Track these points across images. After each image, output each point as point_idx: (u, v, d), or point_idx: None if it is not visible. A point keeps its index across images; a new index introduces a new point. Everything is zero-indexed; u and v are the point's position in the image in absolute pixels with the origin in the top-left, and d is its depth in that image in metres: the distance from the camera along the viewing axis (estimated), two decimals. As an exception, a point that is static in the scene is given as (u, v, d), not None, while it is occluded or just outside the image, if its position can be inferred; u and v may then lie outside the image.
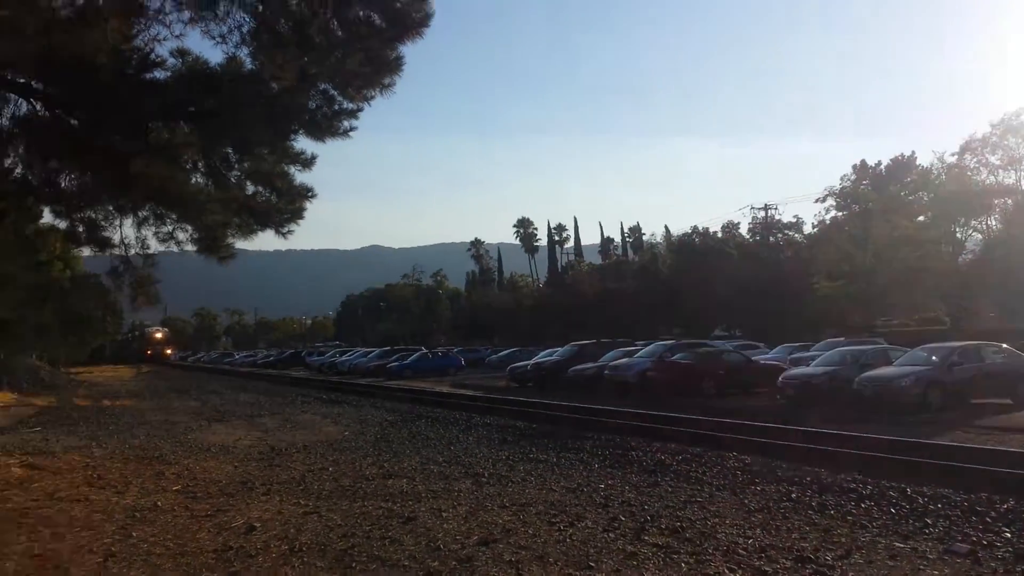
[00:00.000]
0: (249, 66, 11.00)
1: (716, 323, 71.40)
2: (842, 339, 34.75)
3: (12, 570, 6.60)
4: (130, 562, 6.80)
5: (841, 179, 62.01)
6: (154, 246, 13.85)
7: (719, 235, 75.48)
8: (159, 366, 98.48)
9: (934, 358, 20.13)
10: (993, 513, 7.98)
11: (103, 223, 13.53)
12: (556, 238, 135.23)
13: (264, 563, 6.72)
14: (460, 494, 9.72)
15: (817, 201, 60.09)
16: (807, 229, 67.89)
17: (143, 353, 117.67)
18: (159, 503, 9.40)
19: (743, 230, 76.33)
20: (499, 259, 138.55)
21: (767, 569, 6.24)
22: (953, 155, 50.91)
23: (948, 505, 8.40)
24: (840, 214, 58.13)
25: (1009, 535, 7.18)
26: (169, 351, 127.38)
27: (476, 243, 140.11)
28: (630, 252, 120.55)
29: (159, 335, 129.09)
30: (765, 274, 61.13)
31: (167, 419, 21.59)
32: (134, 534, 7.83)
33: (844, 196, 57.93)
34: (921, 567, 6.30)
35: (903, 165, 61.78)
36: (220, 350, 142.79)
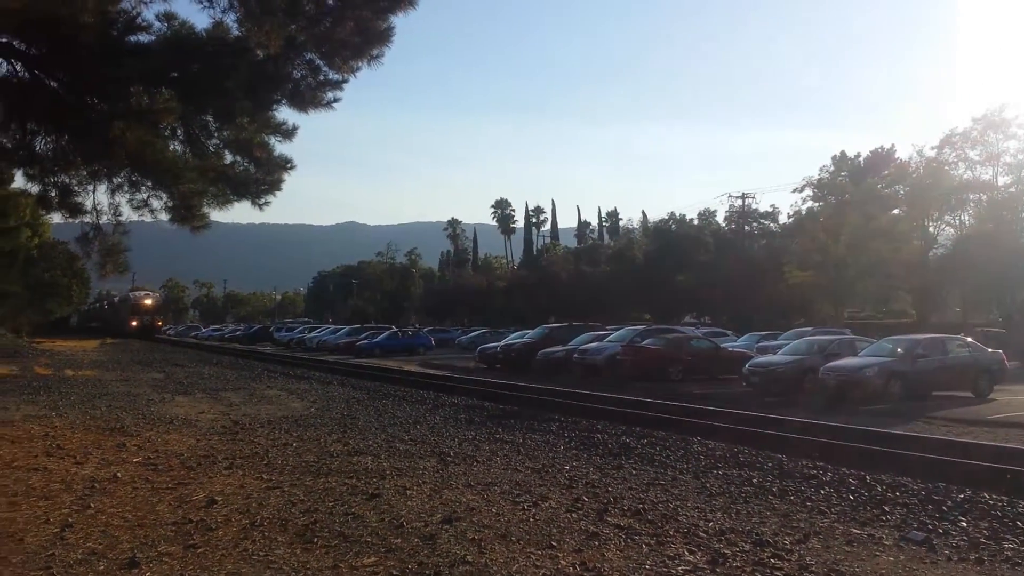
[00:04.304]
0: (235, 32, 10.90)
1: (687, 310, 71.97)
2: (809, 329, 35.17)
3: (-36, 538, 6.49)
4: (87, 533, 6.71)
5: (820, 170, 62.48)
6: (127, 214, 13.69)
7: (695, 222, 75.94)
8: (146, 340, 73.98)
9: (899, 350, 20.39)
10: (949, 502, 8.10)
11: (76, 188, 13.37)
12: (533, 220, 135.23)
13: (224, 537, 6.65)
14: (425, 472, 9.69)
15: (795, 191, 60.56)
16: (783, 219, 68.57)
17: (126, 323, 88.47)
18: (119, 474, 9.28)
19: (720, 218, 76.98)
20: (475, 240, 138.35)
21: (726, 552, 6.29)
22: (933, 149, 51.42)
23: (906, 494, 8.52)
24: (816, 204, 58.61)
25: (964, 524, 7.30)
26: (160, 321, 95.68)
27: (453, 223, 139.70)
28: (606, 236, 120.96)
29: (148, 301, 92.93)
30: (738, 263, 61.65)
31: (130, 391, 21.33)
32: (92, 505, 7.72)
33: (822, 187, 58.39)
34: (877, 553, 6.38)
35: (882, 157, 62.29)
36: (187, 323, 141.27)
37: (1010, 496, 8.28)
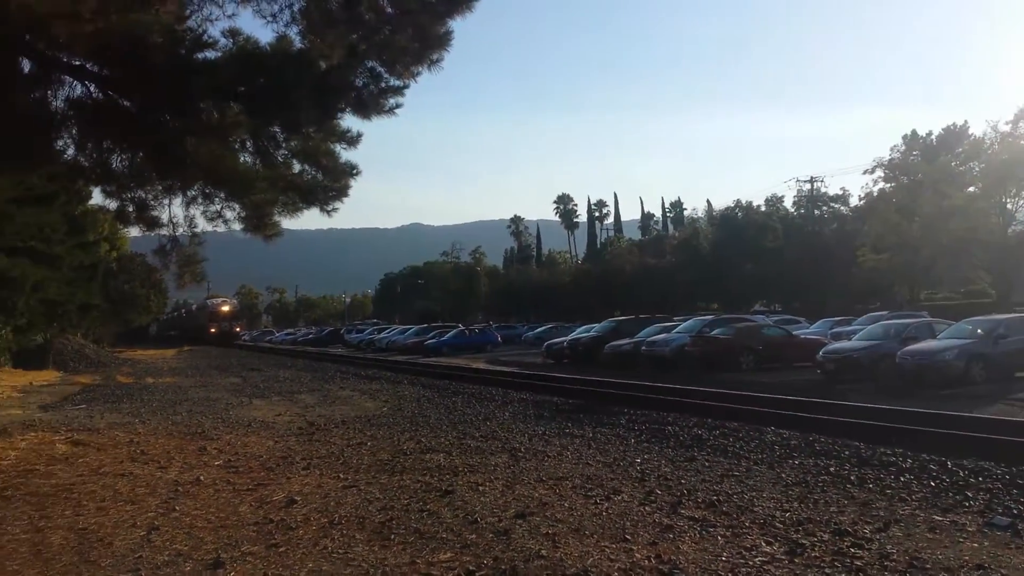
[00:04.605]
0: (298, 45, 11.14)
1: (757, 298, 70.85)
2: (885, 313, 34.33)
3: (57, 543, 6.76)
4: (173, 535, 6.93)
5: (891, 150, 60.52)
6: (201, 225, 14.06)
7: (763, 209, 74.66)
8: (225, 347, 73.36)
9: (979, 331, 19.77)
10: (1035, 486, 7.84)
11: (152, 203, 13.72)
12: (596, 214, 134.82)
13: (304, 535, 6.81)
14: (497, 468, 9.77)
15: (865, 173, 59.00)
16: (853, 202, 66.89)
17: (205, 331, 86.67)
18: (201, 477, 9.57)
19: (788, 203, 75.50)
20: (538, 236, 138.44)
21: (804, 542, 6.21)
22: (1007, 123, 49.61)
23: (989, 478, 8.28)
24: (888, 186, 56.93)
25: (1052, 508, 7.06)
26: (239, 327, 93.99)
27: (515, 220, 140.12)
28: (671, 227, 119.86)
29: (226, 308, 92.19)
30: (809, 248, 60.44)
31: (208, 396, 21.96)
32: (177, 508, 7.98)
33: (893, 167, 56.70)
34: (960, 540, 6.23)
35: (955, 135, 60.10)
36: (261, 328, 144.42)
37: (1101, 479, 7.97)
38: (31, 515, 7.77)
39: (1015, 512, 6.96)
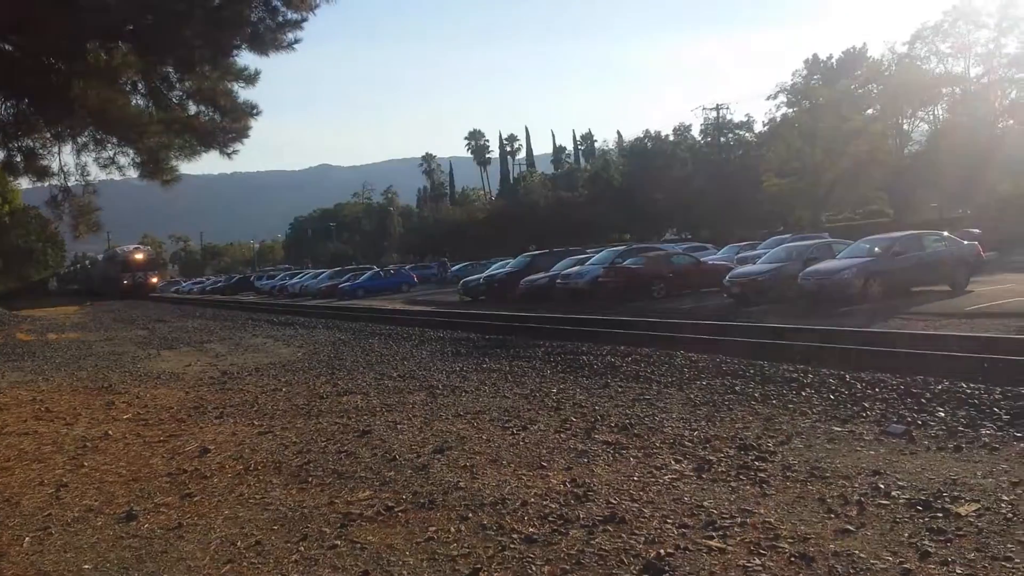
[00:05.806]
0: (190, -23, 10.64)
1: (667, 227, 72.20)
2: (788, 236, 35.45)
3: (-41, 506, 6.53)
4: (82, 491, 6.77)
5: (793, 74, 61.85)
6: (95, 173, 13.58)
7: (671, 138, 75.56)
8: (139, 299, 67.46)
9: (876, 249, 20.57)
10: (928, 394, 8.24)
11: (41, 151, 13.16)
12: (508, 149, 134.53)
13: (219, 483, 6.74)
14: (415, 406, 9.80)
15: (768, 98, 60.20)
16: (758, 128, 68.26)
17: (117, 283, 76.66)
18: (110, 432, 9.33)
19: (695, 132, 76.56)
20: (451, 173, 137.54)
21: (711, 458, 6.44)
22: (904, 44, 51.14)
23: (885, 389, 8.67)
24: (791, 111, 58.25)
25: (942, 414, 7.46)
26: (155, 278, 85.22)
27: (427, 158, 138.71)
28: (582, 160, 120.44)
29: (140, 256, 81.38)
30: (715, 176, 61.68)
31: (115, 350, 21.29)
32: (86, 464, 7.78)
33: (795, 92, 57.96)
34: (858, 448, 6.54)
35: (854, 57, 61.68)
36: (167, 278, 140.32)
37: (987, 384, 8.42)
38: (-72, 481, 7.46)
39: (909, 420, 7.33)
